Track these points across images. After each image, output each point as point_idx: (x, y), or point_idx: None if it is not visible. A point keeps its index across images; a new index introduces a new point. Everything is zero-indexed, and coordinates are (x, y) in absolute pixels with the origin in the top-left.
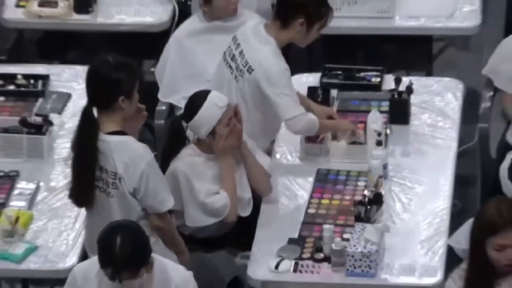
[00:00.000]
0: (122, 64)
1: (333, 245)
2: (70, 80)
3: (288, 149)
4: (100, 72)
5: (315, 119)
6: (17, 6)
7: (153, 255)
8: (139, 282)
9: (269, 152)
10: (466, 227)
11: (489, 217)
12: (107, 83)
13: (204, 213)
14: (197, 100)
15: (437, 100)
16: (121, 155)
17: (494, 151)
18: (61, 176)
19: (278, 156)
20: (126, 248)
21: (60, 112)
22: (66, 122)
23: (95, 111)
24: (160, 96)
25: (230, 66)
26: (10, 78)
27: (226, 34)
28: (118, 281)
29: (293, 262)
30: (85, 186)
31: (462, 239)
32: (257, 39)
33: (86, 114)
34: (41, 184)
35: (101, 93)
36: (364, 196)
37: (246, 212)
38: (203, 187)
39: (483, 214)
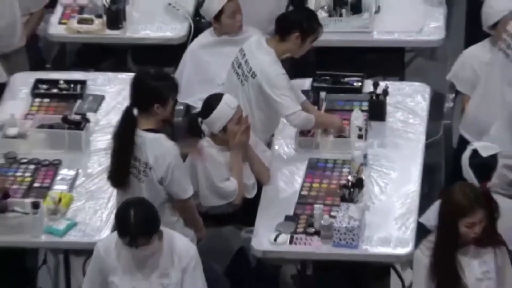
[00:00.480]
0: (161, 76)
1: (322, 221)
2: (104, 85)
3: (284, 142)
4: (142, 80)
5: (311, 117)
6: (60, 23)
7: (163, 228)
8: (152, 248)
9: (269, 144)
10: (434, 207)
11: (458, 201)
12: (146, 91)
13: (217, 196)
14: (213, 101)
15: (409, 101)
16: (153, 149)
17: (456, 143)
18: (96, 164)
19: (276, 147)
20: (139, 218)
21: (95, 111)
22: (101, 120)
23: (135, 111)
24: (178, 97)
25: (237, 73)
26: (54, 83)
27: (233, 46)
28: (134, 247)
29: (289, 236)
30: (122, 171)
31: (431, 217)
32: (259, 50)
33: (127, 112)
34: (80, 171)
35: (140, 98)
36: (348, 180)
37: (251, 194)
38: (217, 173)
39: (451, 199)
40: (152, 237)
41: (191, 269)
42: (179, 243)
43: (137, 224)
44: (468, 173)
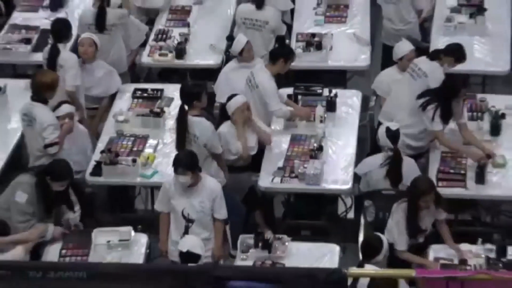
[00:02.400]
0: (194, 85)
1: (299, 170)
2: (174, 91)
3: (277, 124)
4: (183, 89)
5: (287, 110)
6: (148, 56)
7: (202, 174)
8: (186, 178)
9: (269, 125)
10: (362, 163)
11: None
12: (187, 95)
13: (230, 153)
14: (230, 98)
15: (349, 101)
16: (197, 127)
17: (376, 125)
18: (169, 137)
19: (272, 127)
20: (183, 157)
21: (169, 106)
22: (171, 111)
23: (185, 106)
24: (217, 99)
25: (249, 85)
26: (145, 90)
27: (247, 69)
28: (176, 173)
29: (280, 178)
30: (181, 141)
31: (361, 169)
32: (261, 71)
33: (181, 107)
34: (160, 141)
35: (185, 99)
36: (314, 146)
37: (254, 151)
38: (231, 140)
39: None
40: (187, 172)
41: (218, 199)
42: (211, 183)
43: (181, 159)
44: (385, 141)
